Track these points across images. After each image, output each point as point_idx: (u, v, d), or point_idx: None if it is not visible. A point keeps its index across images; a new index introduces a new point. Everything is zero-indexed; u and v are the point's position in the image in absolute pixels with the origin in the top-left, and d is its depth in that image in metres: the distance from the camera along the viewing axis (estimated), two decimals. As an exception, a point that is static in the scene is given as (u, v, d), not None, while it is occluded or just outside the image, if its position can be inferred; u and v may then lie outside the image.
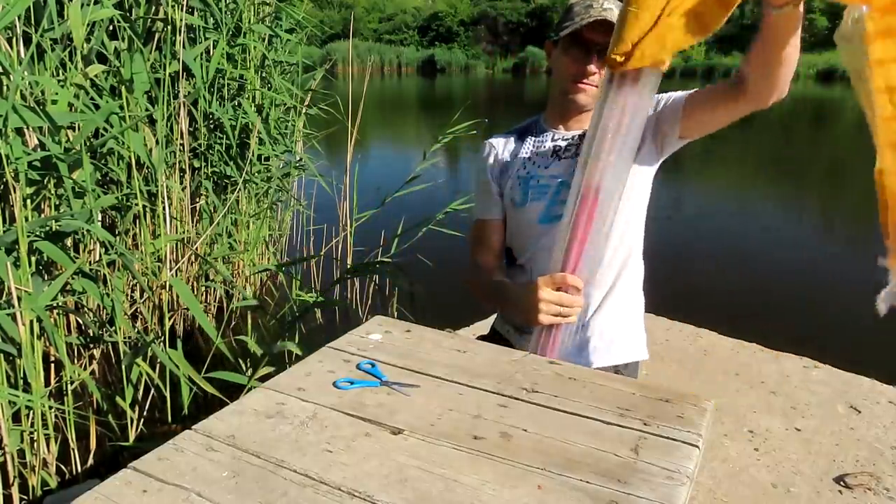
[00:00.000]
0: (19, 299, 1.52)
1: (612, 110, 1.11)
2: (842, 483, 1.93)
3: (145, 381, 1.99)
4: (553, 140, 1.36)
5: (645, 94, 1.10)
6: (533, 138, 1.39)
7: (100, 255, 2.06)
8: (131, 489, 0.76)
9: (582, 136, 1.32)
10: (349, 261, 3.54)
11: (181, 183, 2.48)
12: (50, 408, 1.70)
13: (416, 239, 3.16)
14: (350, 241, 3.51)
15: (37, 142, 1.79)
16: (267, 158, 3.08)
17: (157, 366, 1.93)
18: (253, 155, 2.79)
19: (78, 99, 1.85)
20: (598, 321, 1.34)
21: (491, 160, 1.41)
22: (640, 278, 1.41)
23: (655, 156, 1.33)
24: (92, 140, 1.99)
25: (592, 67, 1.26)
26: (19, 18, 1.75)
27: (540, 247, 1.32)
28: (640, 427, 0.89)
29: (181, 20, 2.25)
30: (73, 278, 1.74)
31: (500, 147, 1.41)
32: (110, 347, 2.13)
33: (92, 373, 2.04)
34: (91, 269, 1.93)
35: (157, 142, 2.20)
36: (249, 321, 2.46)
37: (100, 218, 2.16)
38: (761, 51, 1.08)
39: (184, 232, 2.53)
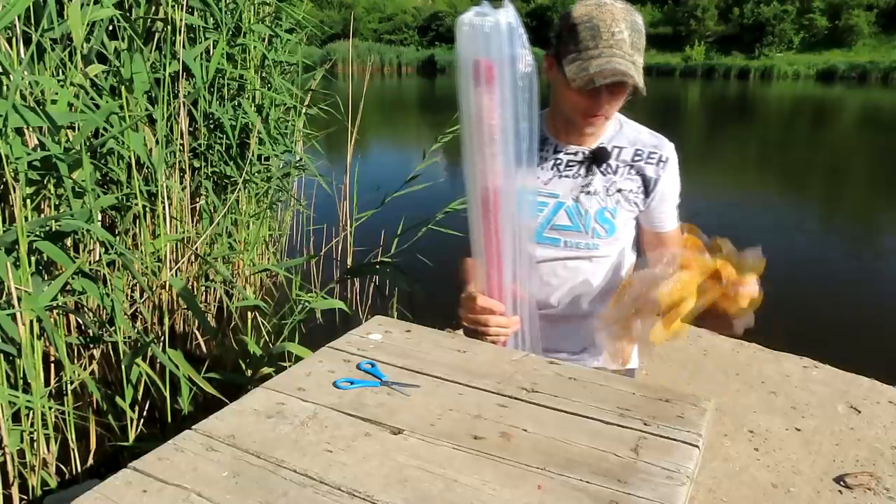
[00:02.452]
0: (19, 299, 1.52)
1: (484, 111, 1.09)
2: (842, 483, 1.93)
3: (145, 381, 1.99)
4: (555, 152, 1.34)
5: (507, 90, 1.08)
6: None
7: (100, 255, 2.06)
8: (131, 489, 0.76)
9: (585, 155, 1.31)
10: (349, 261, 3.54)
11: (181, 183, 2.48)
12: (50, 408, 1.70)
13: (415, 239, 3.16)
14: (350, 241, 3.51)
15: (37, 142, 1.79)
16: (267, 158, 3.08)
17: (157, 366, 1.93)
18: (253, 155, 2.79)
19: (78, 99, 1.85)
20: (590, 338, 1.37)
21: None
22: None
23: (633, 220, 1.35)
24: (92, 140, 1.99)
25: (603, 104, 1.21)
26: (19, 18, 1.75)
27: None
28: (640, 427, 0.89)
29: (181, 20, 2.25)
30: (73, 278, 1.74)
31: None
32: (110, 347, 2.12)
33: (92, 373, 2.04)
34: (91, 269, 1.93)
35: (157, 142, 2.20)
36: (249, 321, 2.46)
37: (100, 218, 2.16)
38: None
39: (184, 232, 2.52)
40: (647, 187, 1.31)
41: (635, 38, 1.16)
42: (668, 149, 1.32)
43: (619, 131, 1.34)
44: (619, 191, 1.31)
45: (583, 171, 1.32)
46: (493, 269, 1.19)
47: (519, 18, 1.08)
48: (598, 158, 1.31)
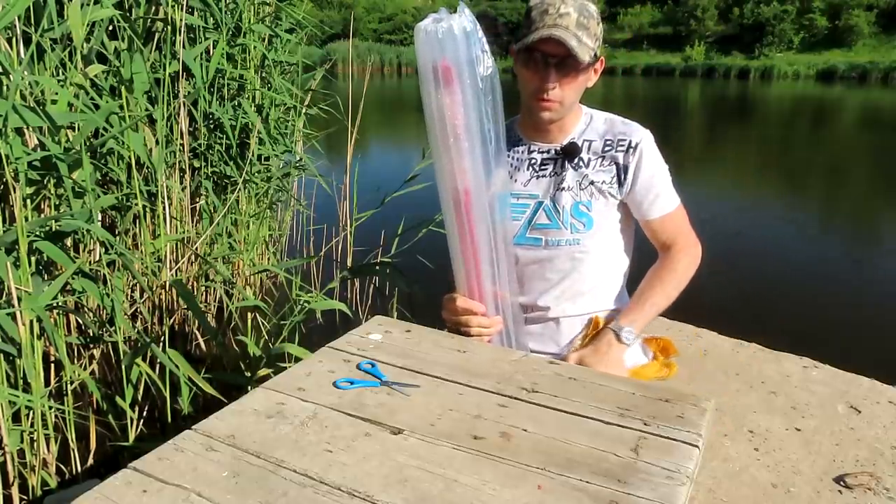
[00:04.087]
0: (19, 299, 1.52)
1: (447, 112, 1.11)
2: (842, 483, 1.93)
3: (145, 381, 1.99)
4: (529, 152, 1.36)
5: (469, 91, 1.10)
6: (510, 149, 1.37)
7: (100, 255, 2.06)
8: (131, 489, 0.76)
9: (557, 152, 1.33)
10: (349, 261, 3.54)
11: (181, 183, 2.48)
12: (50, 408, 1.70)
13: (416, 240, 3.15)
14: (350, 241, 3.51)
15: (37, 142, 1.79)
16: (267, 158, 3.07)
17: (157, 366, 1.93)
18: (253, 155, 2.79)
19: (78, 99, 1.85)
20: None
21: None
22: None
23: (617, 212, 1.35)
24: (92, 140, 1.99)
25: (551, 83, 1.22)
26: (19, 18, 1.75)
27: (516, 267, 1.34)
28: (640, 427, 0.89)
29: (181, 20, 2.25)
30: (73, 278, 1.74)
31: None
32: (110, 347, 2.12)
33: (92, 373, 2.04)
34: (91, 269, 1.93)
35: (157, 142, 2.20)
36: (249, 321, 2.46)
37: (100, 218, 2.16)
38: None
39: (184, 232, 2.52)
40: (620, 175, 1.31)
41: (583, 19, 1.19)
42: (637, 134, 1.32)
43: (589, 124, 1.35)
44: (592, 183, 1.31)
45: (556, 167, 1.33)
46: (471, 269, 1.21)
47: (476, 23, 1.10)
48: (568, 153, 1.32)
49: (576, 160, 1.32)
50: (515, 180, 1.34)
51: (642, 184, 1.31)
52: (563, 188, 1.31)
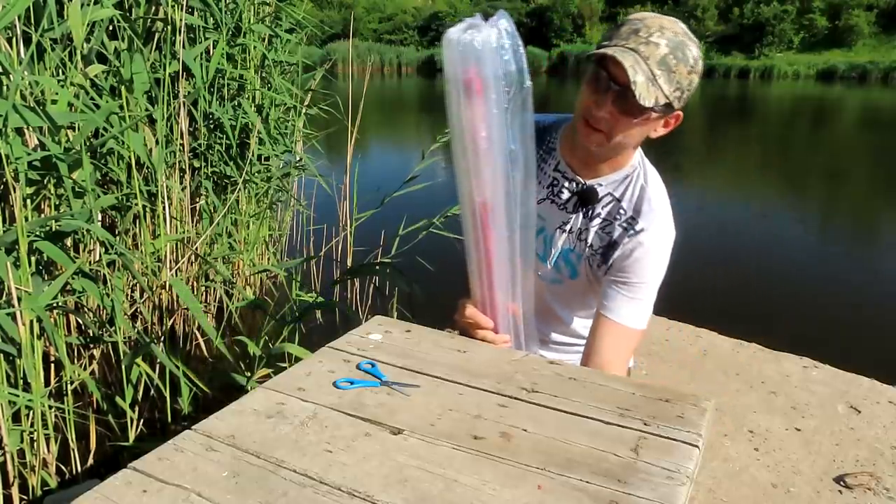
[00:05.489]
0: (19, 299, 1.52)
1: (472, 125, 1.02)
2: (842, 483, 1.93)
3: (145, 381, 1.99)
4: (556, 170, 1.24)
5: (493, 104, 1.00)
6: (541, 152, 1.25)
7: (100, 255, 2.06)
8: (131, 489, 0.76)
9: (580, 186, 1.21)
10: (349, 261, 3.54)
11: (181, 183, 2.48)
12: (50, 408, 1.70)
13: (416, 241, 3.16)
14: (350, 241, 3.51)
15: (37, 142, 1.79)
16: (267, 158, 3.08)
17: (157, 366, 1.93)
18: (253, 155, 2.79)
19: (78, 99, 1.85)
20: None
21: None
22: None
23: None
24: (92, 140, 1.99)
25: (603, 111, 1.06)
26: (19, 18, 1.75)
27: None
28: (640, 427, 0.89)
29: (181, 20, 2.25)
30: (73, 278, 1.74)
31: None
32: (110, 347, 2.13)
33: (92, 373, 2.04)
34: (91, 269, 1.93)
35: (157, 142, 2.20)
36: (249, 321, 2.46)
37: (100, 218, 2.16)
38: None
39: (184, 232, 2.52)
40: (607, 252, 1.19)
41: (671, 59, 1.02)
42: (649, 221, 1.15)
43: (625, 180, 1.19)
44: (586, 241, 1.21)
45: (570, 205, 1.22)
46: (484, 282, 1.14)
47: (516, 36, 0.99)
48: (584, 198, 1.20)
49: (587, 208, 1.20)
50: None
51: (621, 276, 1.16)
52: (565, 229, 1.23)
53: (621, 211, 1.18)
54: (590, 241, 1.20)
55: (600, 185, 1.20)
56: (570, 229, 1.22)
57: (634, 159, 1.20)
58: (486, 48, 0.97)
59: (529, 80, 1.01)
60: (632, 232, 1.16)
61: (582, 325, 1.34)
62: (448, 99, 1.02)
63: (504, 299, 1.15)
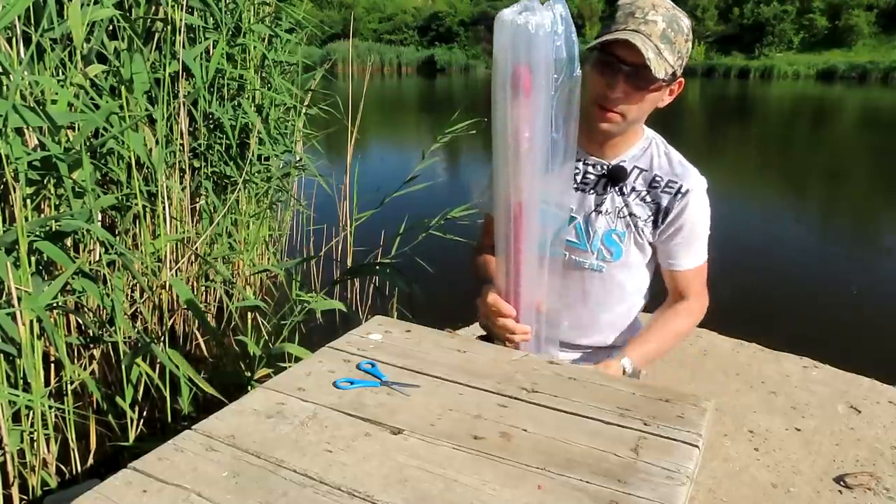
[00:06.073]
0: (19, 299, 1.52)
1: (518, 125, 1.02)
2: (842, 483, 1.93)
3: (145, 381, 1.99)
4: (576, 160, 1.26)
5: (539, 103, 1.01)
6: None
7: (100, 255, 2.06)
8: (131, 489, 0.76)
9: (603, 170, 1.25)
10: (349, 261, 3.54)
11: (181, 183, 2.48)
12: (50, 408, 1.70)
13: (416, 242, 3.16)
14: (350, 241, 3.51)
15: (37, 142, 1.79)
16: (267, 158, 3.07)
17: (157, 366, 1.93)
18: (253, 155, 2.79)
19: (78, 99, 1.85)
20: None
21: None
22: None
23: (644, 250, 1.28)
24: (92, 140, 1.99)
25: (617, 92, 1.11)
26: (19, 18, 1.75)
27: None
28: (640, 427, 0.89)
29: (181, 20, 2.25)
30: (73, 278, 1.74)
31: None
32: (110, 347, 2.12)
33: (92, 373, 2.04)
34: (91, 269, 1.93)
35: (157, 142, 2.20)
36: (249, 321, 2.46)
37: (100, 218, 2.16)
38: None
39: (184, 232, 2.52)
40: (658, 217, 1.23)
41: (670, 31, 1.09)
42: (690, 180, 1.23)
43: (646, 151, 1.26)
44: (631, 214, 1.24)
45: (599, 187, 1.25)
46: (511, 276, 1.15)
47: (570, 19, 0.99)
48: (614, 177, 1.24)
49: (620, 186, 1.24)
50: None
51: (678, 233, 1.24)
52: (601, 211, 1.25)
53: (657, 178, 1.24)
54: (635, 212, 1.25)
55: (624, 161, 1.25)
56: (606, 210, 1.26)
57: (646, 131, 1.28)
58: (539, 32, 0.97)
59: (580, 69, 1.02)
60: (679, 195, 1.22)
61: (611, 325, 1.35)
62: (494, 88, 1.02)
63: (529, 293, 1.16)
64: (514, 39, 0.97)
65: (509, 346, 1.20)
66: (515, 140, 1.03)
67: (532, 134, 1.03)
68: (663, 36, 1.09)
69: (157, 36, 2.40)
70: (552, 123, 1.03)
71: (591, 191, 1.26)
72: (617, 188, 1.25)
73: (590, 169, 1.26)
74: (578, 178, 1.27)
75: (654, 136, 1.28)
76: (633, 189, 1.25)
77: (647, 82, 1.11)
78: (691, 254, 1.26)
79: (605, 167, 1.25)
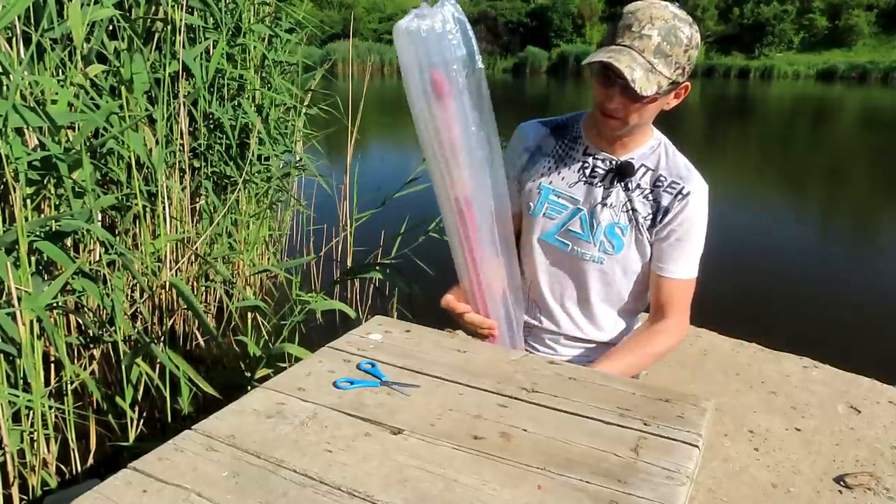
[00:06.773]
0: (19, 299, 1.52)
1: (441, 125, 1.07)
2: (842, 483, 1.93)
3: (145, 381, 1.99)
4: (585, 154, 1.31)
5: (462, 98, 1.05)
6: (567, 142, 1.34)
7: (100, 255, 2.06)
8: (131, 489, 0.76)
9: (611, 165, 1.28)
10: (349, 261, 3.54)
11: (181, 183, 2.48)
12: (50, 408, 1.70)
13: (416, 243, 3.16)
14: (350, 242, 3.51)
15: (37, 142, 1.79)
16: (267, 158, 3.07)
17: (157, 366, 1.93)
18: (253, 155, 2.79)
19: (78, 99, 1.85)
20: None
21: (519, 150, 1.37)
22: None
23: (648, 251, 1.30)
24: (92, 140, 1.99)
25: (613, 103, 1.16)
26: (19, 18, 1.75)
27: (538, 263, 1.34)
28: (640, 427, 0.89)
29: (181, 20, 2.25)
30: (73, 278, 1.74)
31: (532, 139, 1.37)
32: (110, 347, 2.12)
33: (92, 373, 2.04)
34: (91, 269, 1.93)
35: (157, 142, 2.20)
36: (249, 321, 2.46)
37: (100, 218, 2.16)
38: None
39: (184, 232, 2.52)
40: (657, 216, 1.26)
41: (665, 45, 1.10)
42: (693, 184, 1.25)
43: (654, 151, 1.29)
44: (633, 210, 1.27)
45: (606, 181, 1.29)
46: (471, 274, 1.20)
47: (463, 17, 1.03)
48: (622, 172, 1.27)
49: (626, 181, 1.28)
50: (563, 178, 1.31)
51: (673, 234, 1.26)
52: (606, 204, 1.28)
53: (661, 178, 1.27)
54: (636, 208, 1.27)
55: (633, 158, 1.28)
56: (611, 204, 1.28)
57: (655, 132, 1.31)
58: (431, 35, 1.00)
59: (481, 63, 1.06)
60: (680, 197, 1.24)
61: (611, 321, 1.37)
62: (411, 98, 1.06)
63: (491, 283, 1.22)
64: (416, 47, 1.01)
65: (490, 341, 1.27)
66: (449, 138, 1.07)
67: (461, 130, 1.07)
68: (657, 50, 1.10)
69: (157, 36, 2.40)
70: (475, 119, 1.08)
71: (599, 184, 1.29)
72: (623, 183, 1.28)
73: (598, 163, 1.30)
74: (587, 171, 1.30)
75: (661, 137, 1.31)
76: (638, 186, 1.28)
77: (642, 96, 1.12)
78: (681, 260, 1.27)
79: (614, 162, 1.29)
